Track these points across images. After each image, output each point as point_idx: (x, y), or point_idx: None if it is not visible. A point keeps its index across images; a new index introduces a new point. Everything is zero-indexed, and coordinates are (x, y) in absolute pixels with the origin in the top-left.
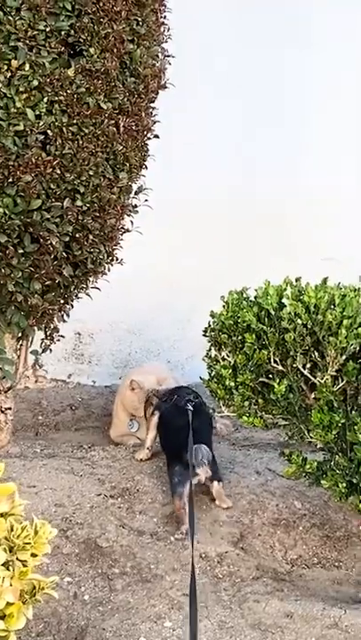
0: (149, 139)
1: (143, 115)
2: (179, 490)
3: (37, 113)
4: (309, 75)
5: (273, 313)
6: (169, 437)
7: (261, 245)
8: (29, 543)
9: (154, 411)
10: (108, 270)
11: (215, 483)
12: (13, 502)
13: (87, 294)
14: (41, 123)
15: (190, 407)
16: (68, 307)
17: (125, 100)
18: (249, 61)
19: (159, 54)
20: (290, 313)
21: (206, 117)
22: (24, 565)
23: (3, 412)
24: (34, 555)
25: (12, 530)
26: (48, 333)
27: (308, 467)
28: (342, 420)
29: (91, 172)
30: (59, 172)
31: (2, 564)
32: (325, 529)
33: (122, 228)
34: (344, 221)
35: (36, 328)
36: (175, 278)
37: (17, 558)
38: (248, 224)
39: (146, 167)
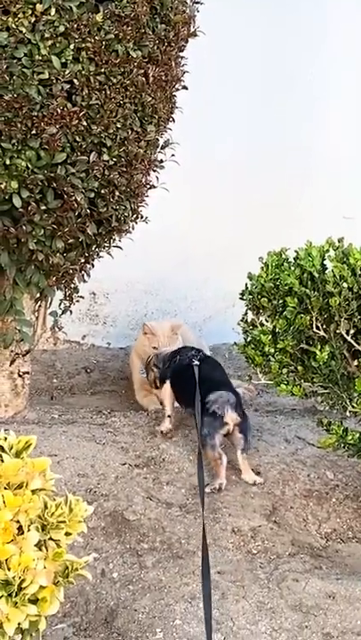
0: (178, 90)
1: (173, 64)
2: (210, 441)
3: (63, 61)
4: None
5: (317, 276)
6: (187, 396)
7: (285, 206)
8: (64, 521)
9: (162, 380)
10: (133, 228)
11: (239, 453)
12: (45, 477)
13: (109, 253)
14: (67, 71)
15: (196, 362)
16: (88, 266)
17: (155, 47)
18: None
19: (188, 0)
20: (335, 276)
21: (234, 70)
22: (58, 546)
23: (20, 376)
24: (67, 534)
25: (45, 508)
26: (68, 294)
27: (349, 438)
28: None
29: (118, 125)
30: (85, 123)
31: (35, 545)
32: (360, 501)
33: (148, 183)
34: None
35: (55, 288)
36: (194, 237)
37: (50, 538)
38: (273, 184)
39: (173, 120)
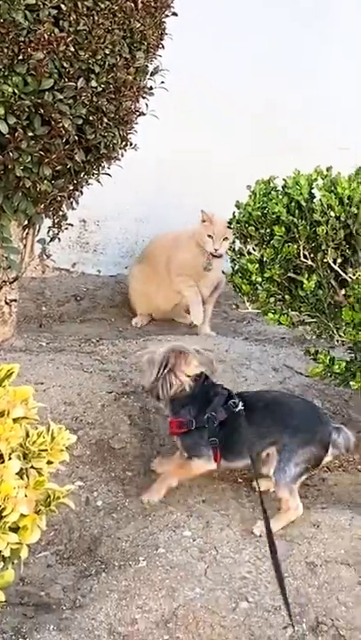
0: (167, 16)
1: None
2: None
3: None
4: None
5: (304, 204)
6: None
7: (277, 134)
8: (46, 450)
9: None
10: (122, 156)
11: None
12: (28, 405)
13: (98, 181)
14: None
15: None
16: (77, 193)
17: None
18: None
19: None
20: (322, 205)
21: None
22: (39, 474)
23: (7, 303)
24: (49, 462)
25: (27, 436)
26: (56, 221)
27: (336, 367)
28: None
29: (106, 51)
30: (72, 49)
31: (16, 473)
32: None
33: (137, 110)
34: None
35: (43, 216)
36: (186, 164)
37: (32, 466)
38: (264, 112)
39: (163, 47)
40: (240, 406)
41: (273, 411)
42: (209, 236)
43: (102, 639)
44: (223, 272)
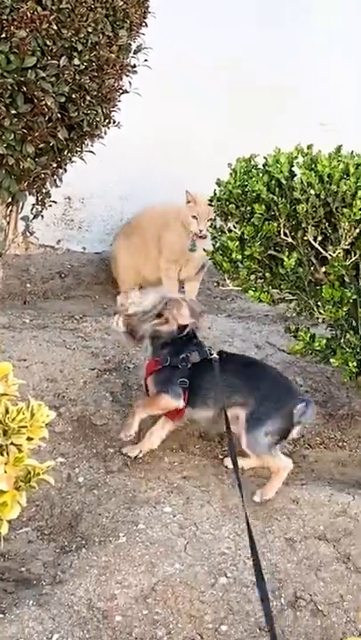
0: None
1: None
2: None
3: None
4: None
5: (284, 182)
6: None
7: (260, 112)
8: (25, 427)
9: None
10: (105, 133)
11: None
12: (7, 382)
13: (81, 158)
14: None
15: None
16: (61, 171)
17: None
18: None
19: None
20: (302, 183)
21: None
22: (19, 450)
23: None
24: (29, 438)
25: (6, 412)
26: (39, 199)
27: (316, 344)
28: (354, 296)
29: (89, 29)
30: (55, 27)
31: None
32: (328, 407)
33: (120, 88)
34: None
35: (27, 193)
36: (170, 143)
37: (11, 443)
38: (247, 90)
39: (146, 25)
40: (215, 356)
41: (247, 373)
42: (193, 216)
43: (82, 614)
44: (204, 249)
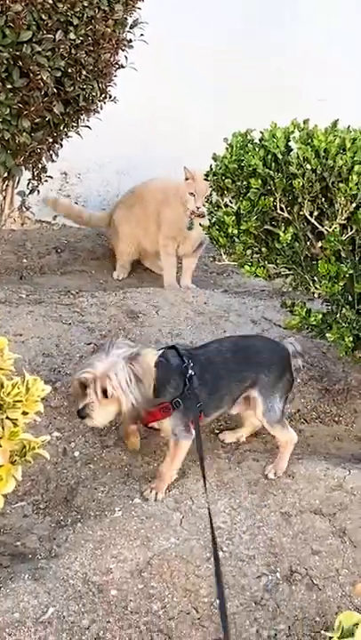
0: None
1: None
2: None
3: None
4: None
5: (280, 157)
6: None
7: (258, 86)
8: (20, 401)
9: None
10: (101, 108)
11: None
12: (3, 356)
13: (77, 133)
14: None
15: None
16: (57, 146)
17: None
18: None
19: None
20: (298, 157)
21: None
22: (14, 425)
23: None
24: (24, 413)
25: (1, 387)
26: (36, 174)
27: (312, 319)
28: (350, 271)
29: (85, 3)
30: (51, 1)
31: None
32: (324, 381)
33: (116, 63)
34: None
35: (23, 168)
36: (167, 118)
37: (7, 417)
38: (244, 63)
39: None
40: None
41: (243, 355)
42: (191, 193)
43: (77, 588)
44: (200, 224)
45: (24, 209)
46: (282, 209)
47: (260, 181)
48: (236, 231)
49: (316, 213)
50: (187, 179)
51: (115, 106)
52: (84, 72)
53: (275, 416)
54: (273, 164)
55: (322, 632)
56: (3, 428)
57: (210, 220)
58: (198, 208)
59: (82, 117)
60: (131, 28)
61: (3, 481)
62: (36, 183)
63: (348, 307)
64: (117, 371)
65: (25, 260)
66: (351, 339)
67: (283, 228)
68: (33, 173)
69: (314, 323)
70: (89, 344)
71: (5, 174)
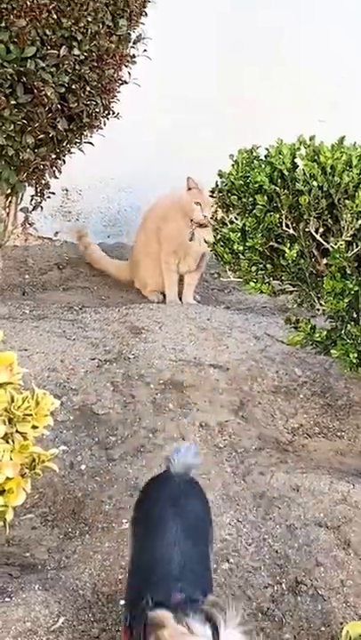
0: None
1: None
2: None
3: None
4: None
5: (286, 174)
6: None
7: (262, 106)
8: (30, 415)
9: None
10: (104, 124)
11: None
12: (12, 371)
13: (80, 149)
14: None
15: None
16: (60, 162)
17: None
18: None
19: None
20: (305, 174)
21: None
22: (24, 438)
23: None
24: (34, 427)
25: (12, 401)
26: (39, 190)
27: (316, 335)
28: (355, 288)
29: (89, 18)
30: (55, 17)
31: (1, 437)
32: (327, 397)
33: (120, 79)
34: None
35: (26, 184)
36: (168, 134)
37: (17, 431)
38: (250, 84)
39: (146, 14)
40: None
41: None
42: (197, 203)
43: (87, 598)
44: (205, 240)
45: (27, 225)
46: (287, 226)
47: (266, 198)
48: (241, 248)
49: (321, 230)
50: (190, 188)
51: (117, 122)
52: (87, 88)
53: None
54: (279, 180)
55: None
56: (13, 441)
57: (215, 236)
58: (206, 217)
59: (85, 133)
60: (134, 43)
61: (13, 494)
62: (39, 199)
63: (353, 323)
64: None
65: (27, 276)
66: (356, 355)
67: (288, 245)
68: (36, 189)
69: (318, 339)
70: (93, 359)
71: (8, 191)
